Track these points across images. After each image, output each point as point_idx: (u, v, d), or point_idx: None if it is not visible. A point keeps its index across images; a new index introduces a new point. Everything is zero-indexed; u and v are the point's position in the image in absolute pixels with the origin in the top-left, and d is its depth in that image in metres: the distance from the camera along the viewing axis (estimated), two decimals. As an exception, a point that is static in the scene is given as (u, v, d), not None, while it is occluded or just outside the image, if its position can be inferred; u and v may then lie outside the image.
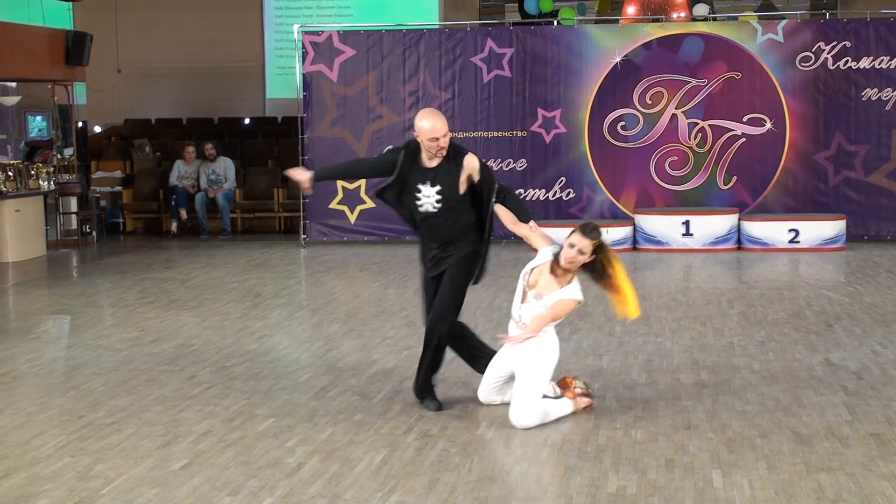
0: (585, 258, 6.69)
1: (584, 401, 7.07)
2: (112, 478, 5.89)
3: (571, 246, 6.66)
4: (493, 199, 7.01)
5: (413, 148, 7.07)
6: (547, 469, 5.99)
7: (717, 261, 14.39)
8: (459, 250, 7.08)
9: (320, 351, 9.10)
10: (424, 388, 7.30)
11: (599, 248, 6.71)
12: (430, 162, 7.02)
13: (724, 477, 5.76)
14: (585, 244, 6.65)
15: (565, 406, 6.94)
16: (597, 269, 6.76)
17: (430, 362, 7.24)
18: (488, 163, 15.73)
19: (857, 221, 15.70)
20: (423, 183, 7.00)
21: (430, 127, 6.87)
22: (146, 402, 7.45)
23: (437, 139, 6.87)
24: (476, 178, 7.00)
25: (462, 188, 7.00)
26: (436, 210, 7.02)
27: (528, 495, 5.60)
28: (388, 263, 14.32)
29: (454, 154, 7.01)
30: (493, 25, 18.34)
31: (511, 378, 6.99)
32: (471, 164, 6.99)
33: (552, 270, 6.81)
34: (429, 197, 7.01)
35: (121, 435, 6.68)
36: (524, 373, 6.77)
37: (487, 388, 7.07)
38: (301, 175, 7.25)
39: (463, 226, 7.08)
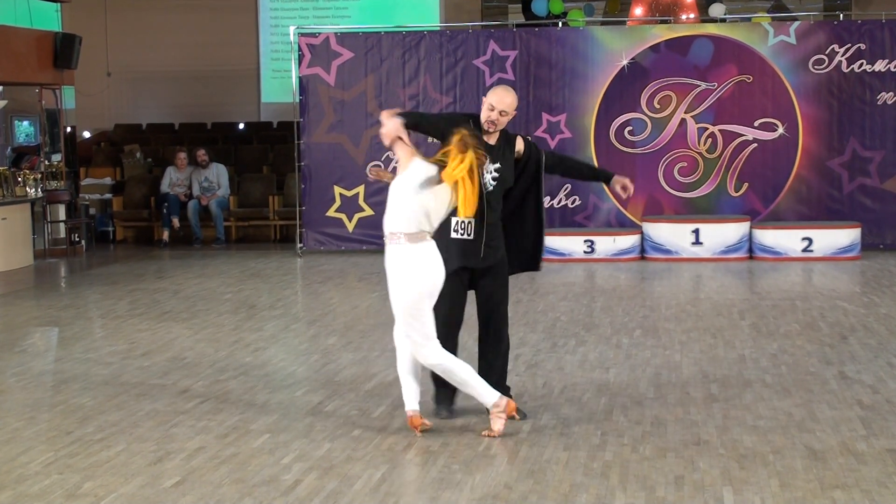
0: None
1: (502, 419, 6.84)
2: (102, 496, 5.82)
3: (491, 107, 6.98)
4: (546, 163, 7.23)
5: (476, 117, 7.20)
6: (552, 487, 5.85)
7: (727, 270, 14.29)
8: (501, 244, 7.18)
9: (317, 364, 9.02)
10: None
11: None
12: (487, 137, 7.10)
13: (735, 494, 5.68)
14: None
15: (477, 386, 6.73)
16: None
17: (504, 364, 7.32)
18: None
19: (872, 230, 15.57)
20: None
21: (491, 94, 7.11)
22: (137, 418, 7.38)
23: (493, 108, 7.03)
24: (521, 153, 7.20)
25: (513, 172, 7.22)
26: (491, 188, 7.06)
27: (534, 514, 5.56)
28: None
29: (507, 137, 7.20)
30: (496, 27, 18.22)
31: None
32: (518, 142, 7.24)
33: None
34: (488, 172, 7.06)
35: (111, 451, 6.62)
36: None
37: None
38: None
39: (499, 213, 7.17)
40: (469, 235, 6.99)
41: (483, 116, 7.06)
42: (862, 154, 15.61)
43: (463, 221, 6.94)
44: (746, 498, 5.61)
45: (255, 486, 5.91)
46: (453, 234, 7.00)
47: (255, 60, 24.24)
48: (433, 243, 6.72)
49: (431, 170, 6.63)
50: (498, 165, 7.06)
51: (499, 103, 7.01)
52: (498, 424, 6.70)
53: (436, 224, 6.72)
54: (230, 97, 24.05)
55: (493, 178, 7.05)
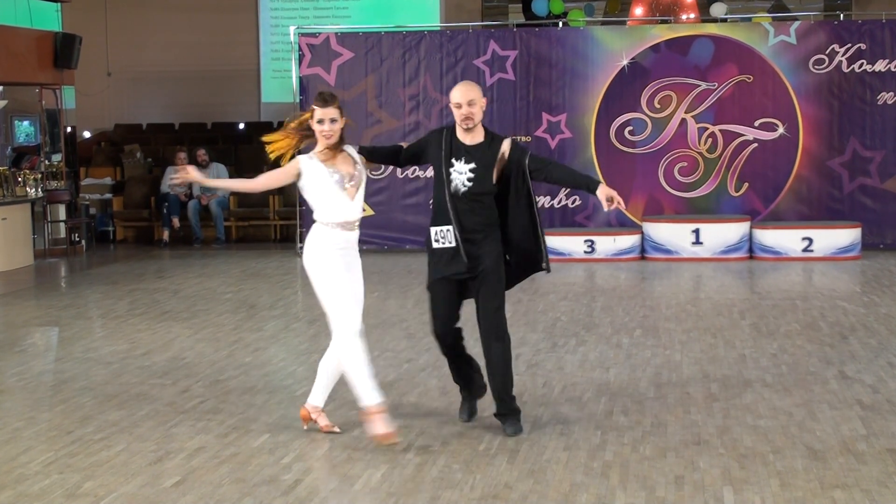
0: (340, 122, 6.69)
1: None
2: (102, 495, 5.81)
3: (321, 122, 6.65)
4: (528, 168, 6.91)
5: (451, 126, 7.05)
6: (552, 486, 5.85)
7: (727, 270, 14.25)
8: (491, 251, 6.89)
9: (317, 364, 8.90)
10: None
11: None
12: (466, 138, 6.94)
13: (735, 494, 5.67)
14: (333, 111, 6.66)
15: (363, 382, 6.68)
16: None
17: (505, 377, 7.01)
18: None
19: (872, 229, 15.52)
20: (458, 159, 6.91)
21: (453, 93, 6.94)
22: (137, 418, 7.37)
23: (460, 105, 6.84)
24: (507, 155, 6.94)
25: (495, 174, 6.92)
26: (465, 188, 6.89)
27: (535, 514, 5.54)
28: (388, 273, 14.10)
29: (493, 138, 7.01)
30: (496, 27, 18.13)
31: None
32: (504, 144, 7.00)
33: (329, 153, 6.75)
34: (461, 174, 6.88)
35: (111, 451, 6.62)
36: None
37: None
38: None
39: (488, 218, 6.92)
40: (450, 243, 6.83)
41: (457, 118, 6.88)
42: (862, 154, 15.55)
43: (441, 230, 6.86)
44: (746, 498, 5.59)
45: (256, 486, 5.89)
46: (434, 245, 6.89)
47: (255, 60, 24.15)
48: (314, 230, 6.75)
49: (300, 160, 6.74)
50: (473, 166, 6.84)
51: (464, 97, 6.82)
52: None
53: (319, 211, 6.71)
54: (230, 97, 23.95)
55: (469, 179, 6.84)
